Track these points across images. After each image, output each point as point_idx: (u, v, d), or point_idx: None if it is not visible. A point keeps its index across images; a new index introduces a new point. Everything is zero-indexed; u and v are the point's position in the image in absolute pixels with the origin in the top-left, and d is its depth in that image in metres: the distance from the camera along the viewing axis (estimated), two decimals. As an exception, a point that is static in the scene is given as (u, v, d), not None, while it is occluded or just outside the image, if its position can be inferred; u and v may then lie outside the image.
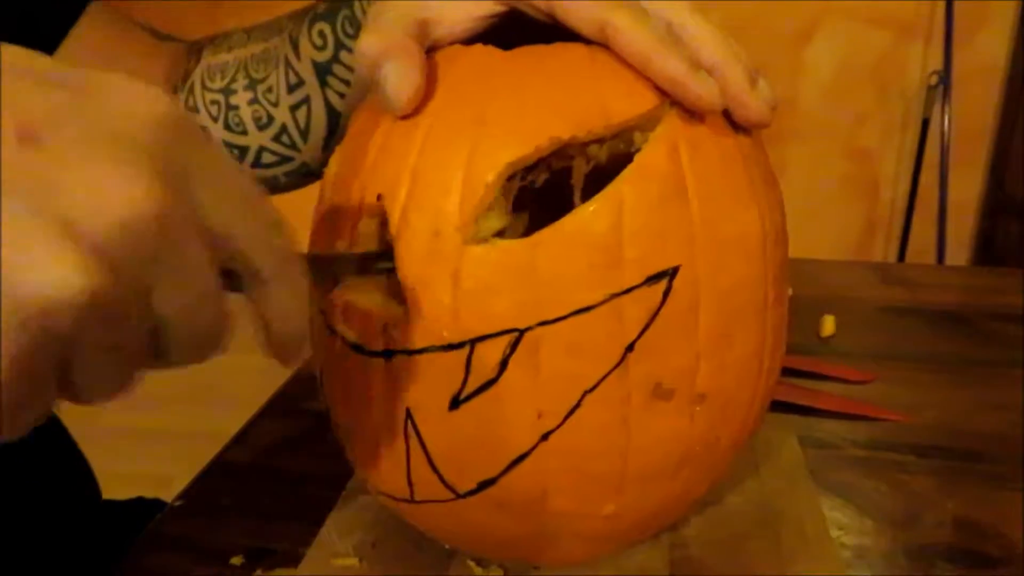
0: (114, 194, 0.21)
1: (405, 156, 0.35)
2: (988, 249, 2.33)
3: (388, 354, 0.35)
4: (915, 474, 0.54)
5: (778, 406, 0.60)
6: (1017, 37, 2.19)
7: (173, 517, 0.50)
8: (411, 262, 0.34)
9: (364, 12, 0.48)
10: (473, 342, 0.34)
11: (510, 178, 0.34)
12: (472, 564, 0.44)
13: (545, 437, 0.35)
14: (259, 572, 0.45)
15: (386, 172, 0.36)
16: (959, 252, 2.38)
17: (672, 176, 0.34)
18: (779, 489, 0.50)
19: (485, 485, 0.36)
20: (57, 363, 0.22)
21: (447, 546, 0.45)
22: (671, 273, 0.34)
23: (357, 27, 0.49)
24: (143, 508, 0.70)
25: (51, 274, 0.20)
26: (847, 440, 0.58)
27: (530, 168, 0.35)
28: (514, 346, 0.33)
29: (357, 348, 0.36)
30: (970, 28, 2.18)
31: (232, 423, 0.61)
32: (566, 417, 0.34)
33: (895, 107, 2.33)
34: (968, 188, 2.33)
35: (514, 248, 0.33)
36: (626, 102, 0.35)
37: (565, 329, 0.33)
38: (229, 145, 0.55)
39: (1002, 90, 2.25)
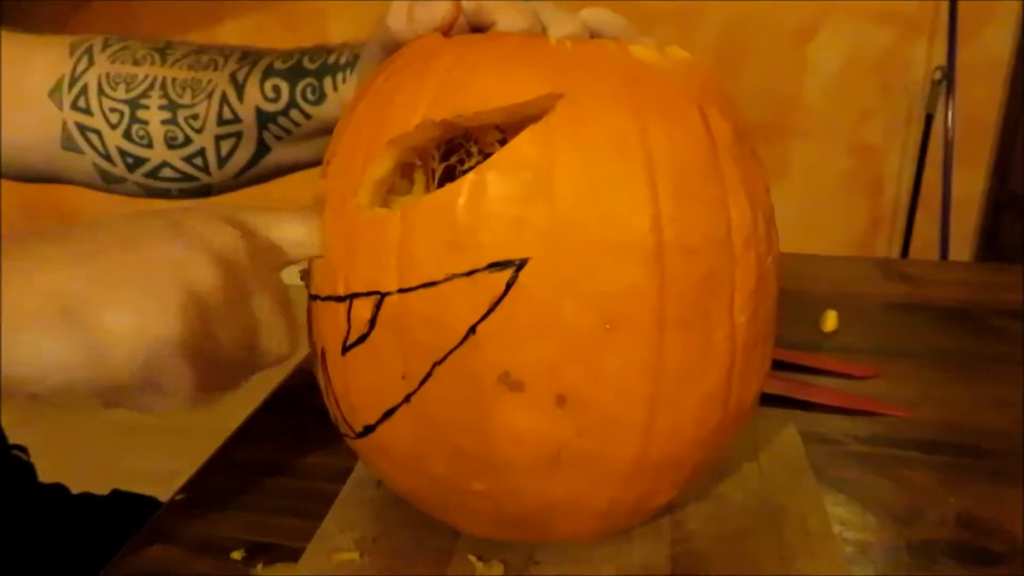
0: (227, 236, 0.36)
1: (342, 129, 0.41)
2: (991, 245, 2.33)
3: (313, 298, 0.41)
4: (918, 470, 0.54)
5: (780, 401, 0.60)
6: (1022, 33, 2.18)
7: (174, 512, 0.50)
8: (328, 220, 0.39)
9: (335, 87, 0.53)
10: (351, 298, 0.37)
11: (444, 159, 0.38)
12: (473, 559, 0.44)
13: (408, 398, 0.37)
14: (260, 567, 0.45)
15: (333, 141, 0.42)
16: (962, 248, 2.38)
17: (537, 168, 0.34)
18: (781, 485, 0.50)
19: (368, 430, 0.40)
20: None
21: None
22: (518, 264, 0.34)
23: (319, 96, 0.54)
24: (123, 502, 0.71)
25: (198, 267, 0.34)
26: (849, 436, 0.58)
27: (456, 151, 0.38)
28: (378, 307, 0.36)
29: (311, 294, 0.42)
30: (974, 24, 2.18)
31: (234, 418, 0.61)
32: (422, 383, 0.36)
33: (899, 103, 2.32)
34: (972, 184, 2.32)
35: (388, 217, 0.36)
36: (508, 91, 0.36)
37: (418, 299, 0.35)
38: (124, 152, 0.57)
39: (1006, 86, 2.24)
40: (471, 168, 0.36)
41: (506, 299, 0.34)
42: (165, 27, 2.58)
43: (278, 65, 0.55)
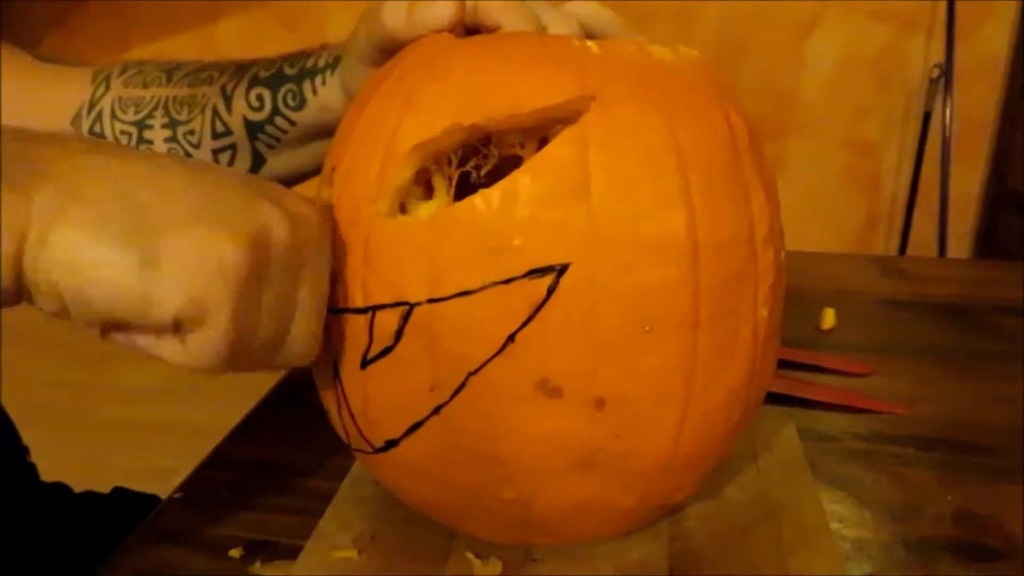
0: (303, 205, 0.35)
1: (349, 131, 0.40)
2: (989, 242, 2.33)
3: None
4: (915, 467, 0.54)
5: (778, 399, 0.60)
6: (1019, 31, 2.18)
7: (172, 509, 0.50)
8: (341, 229, 0.38)
9: (315, 91, 0.53)
10: (374, 309, 0.36)
11: (461, 163, 0.37)
12: (471, 556, 0.44)
13: (437, 410, 0.36)
14: (258, 565, 0.45)
15: (337, 145, 0.40)
16: (960, 245, 2.38)
17: (574, 171, 0.34)
18: (779, 482, 0.50)
19: (390, 444, 0.39)
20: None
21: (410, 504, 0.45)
22: (559, 270, 0.34)
23: (300, 101, 0.53)
24: (125, 500, 0.71)
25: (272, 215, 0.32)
26: (847, 433, 0.58)
27: (470, 153, 0.37)
28: (406, 318, 0.35)
29: None
30: (972, 21, 2.18)
31: (233, 416, 0.61)
32: (454, 394, 0.35)
33: (897, 100, 2.32)
34: (969, 181, 2.32)
35: (414, 225, 0.35)
36: (541, 93, 0.35)
37: (451, 309, 0.34)
38: None
39: (1004, 83, 2.25)
40: (489, 172, 0.36)
41: (546, 305, 0.34)
42: (163, 26, 2.58)
43: (262, 74, 0.55)
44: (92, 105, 0.58)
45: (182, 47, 2.56)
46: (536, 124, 0.36)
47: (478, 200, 0.34)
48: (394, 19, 0.43)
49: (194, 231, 0.30)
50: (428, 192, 0.38)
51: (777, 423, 0.57)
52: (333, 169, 0.40)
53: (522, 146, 0.37)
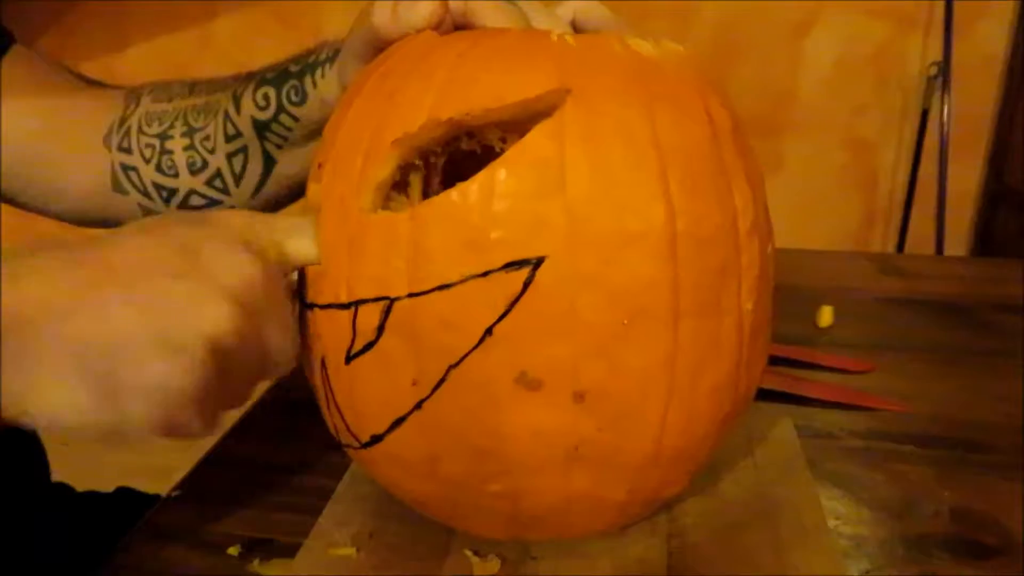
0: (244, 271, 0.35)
1: (336, 128, 0.40)
2: (987, 240, 2.33)
3: (310, 306, 0.39)
4: (913, 464, 0.54)
5: (775, 396, 0.60)
6: (1017, 28, 2.18)
7: (170, 508, 0.50)
8: (326, 224, 0.38)
9: (315, 85, 0.54)
10: (357, 304, 0.36)
11: (447, 155, 0.37)
12: (469, 554, 0.44)
13: (419, 405, 0.36)
14: (256, 562, 0.45)
15: (325, 142, 0.41)
16: (958, 243, 2.38)
17: (550, 164, 0.34)
18: (776, 479, 0.50)
19: (376, 439, 0.39)
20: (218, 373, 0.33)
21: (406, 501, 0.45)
22: (535, 263, 0.34)
23: (302, 96, 0.54)
24: (128, 499, 0.71)
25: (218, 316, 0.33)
26: (845, 430, 0.58)
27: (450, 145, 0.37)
28: (387, 313, 0.35)
29: (304, 302, 0.41)
30: (970, 19, 2.18)
31: (232, 415, 0.61)
32: (435, 388, 0.36)
33: (894, 98, 2.33)
34: (967, 179, 2.32)
35: (395, 220, 0.35)
36: (516, 87, 0.35)
37: (431, 303, 0.35)
38: (158, 187, 0.59)
39: (1001, 81, 2.25)
40: (471, 165, 0.36)
41: (523, 298, 0.34)
42: (160, 25, 2.57)
43: (269, 75, 0.56)
44: (123, 122, 0.59)
45: (179, 45, 2.56)
46: (515, 118, 0.36)
47: (455, 194, 0.34)
48: (381, 18, 0.44)
49: (147, 370, 0.32)
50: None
51: (774, 420, 0.57)
52: (320, 166, 0.40)
53: (504, 141, 0.37)
